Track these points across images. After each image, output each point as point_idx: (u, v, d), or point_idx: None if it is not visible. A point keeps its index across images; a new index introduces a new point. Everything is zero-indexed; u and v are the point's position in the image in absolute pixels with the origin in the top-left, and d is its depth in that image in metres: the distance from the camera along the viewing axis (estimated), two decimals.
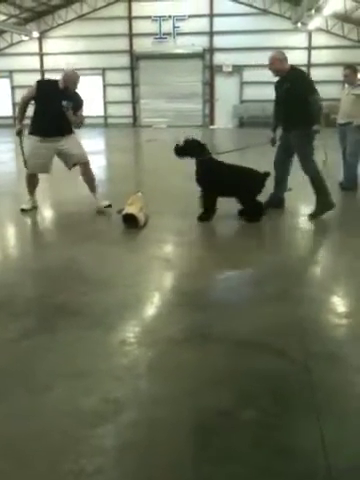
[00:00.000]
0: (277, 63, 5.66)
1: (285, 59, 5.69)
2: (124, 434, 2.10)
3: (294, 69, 5.74)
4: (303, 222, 5.68)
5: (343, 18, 20.14)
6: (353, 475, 1.87)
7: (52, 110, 5.79)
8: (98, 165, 11.18)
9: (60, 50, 22.85)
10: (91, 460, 1.93)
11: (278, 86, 5.82)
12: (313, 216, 5.64)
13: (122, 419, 2.18)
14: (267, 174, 5.51)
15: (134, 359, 2.68)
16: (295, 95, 5.50)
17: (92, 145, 15.92)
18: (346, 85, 7.85)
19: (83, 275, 3.95)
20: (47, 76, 23.13)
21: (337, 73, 16.72)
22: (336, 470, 1.87)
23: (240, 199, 5.52)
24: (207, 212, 5.54)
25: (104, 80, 23.37)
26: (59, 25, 23.08)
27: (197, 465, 1.91)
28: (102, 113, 23.55)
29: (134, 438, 2.07)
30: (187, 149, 5.55)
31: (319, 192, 5.68)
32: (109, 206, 6.10)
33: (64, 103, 5.80)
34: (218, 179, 5.44)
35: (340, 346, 2.84)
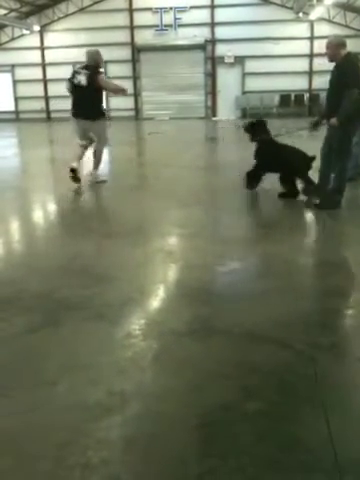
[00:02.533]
0: (331, 48, 5.42)
1: (340, 45, 5.40)
2: (129, 427, 2.10)
3: (347, 57, 5.39)
4: (310, 214, 5.66)
5: (345, 7, 20.01)
6: (359, 468, 1.87)
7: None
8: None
9: (61, 43, 22.79)
10: (97, 453, 1.93)
11: (331, 73, 5.55)
12: (317, 207, 5.63)
13: (127, 412, 2.17)
14: (313, 157, 5.88)
15: (139, 352, 2.67)
16: (336, 85, 5.36)
17: None
18: None
19: (86, 269, 3.94)
20: (49, 70, 23.13)
21: None
22: (343, 462, 1.87)
23: (290, 176, 6.07)
24: (252, 182, 6.36)
25: (106, 73, 23.26)
26: (60, 18, 23.01)
27: (202, 458, 1.91)
28: (104, 106, 23.45)
29: (139, 431, 2.07)
30: (255, 127, 6.27)
31: (341, 187, 5.63)
32: (104, 181, 7.30)
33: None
34: (274, 157, 6.09)
35: (345, 337, 2.83)
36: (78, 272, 3.90)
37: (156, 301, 3.43)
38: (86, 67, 7.01)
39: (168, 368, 2.52)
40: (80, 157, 7.15)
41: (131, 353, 2.66)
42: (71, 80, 7.06)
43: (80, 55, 22.86)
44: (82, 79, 6.89)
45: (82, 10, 22.59)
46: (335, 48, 5.41)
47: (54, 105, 23.39)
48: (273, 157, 6.12)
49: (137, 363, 2.56)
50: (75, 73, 7.08)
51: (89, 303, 3.29)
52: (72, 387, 2.35)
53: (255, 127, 6.29)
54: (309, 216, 5.69)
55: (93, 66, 7.04)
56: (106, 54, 23.07)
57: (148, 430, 2.07)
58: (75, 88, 7.03)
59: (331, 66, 5.52)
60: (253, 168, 6.35)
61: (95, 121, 7.02)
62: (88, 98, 6.90)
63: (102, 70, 7.26)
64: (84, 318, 3.08)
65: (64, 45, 22.64)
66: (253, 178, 6.36)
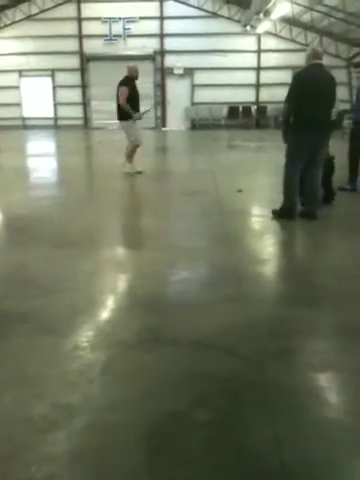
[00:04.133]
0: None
1: (308, 55, 5.54)
2: (76, 440, 2.06)
3: (302, 70, 5.64)
4: (259, 222, 5.76)
5: (291, 22, 20.56)
6: (306, 471, 1.90)
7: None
8: (49, 168, 11.05)
9: (8, 51, 22.31)
10: (42, 467, 1.88)
11: None
12: (273, 213, 5.75)
13: (74, 425, 2.13)
14: (333, 157, 6.28)
15: (87, 364, 2.63)
16: None
17: (42, 147, 15.71)
18: None
19: (32, 279, 3.85)
20: None
21: (286, 76, 17.07)
22: (290, 467, 1.89)
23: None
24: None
25: (54, 81, 23.01)
26: (6, 26, 22.55)
27: (151, 469, 1.89)
28: (52, 115, 23.18)
29: (87, 444, 2.03)
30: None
31: (283, 193, 5.74)
32: (139, 172, 8.64)
33: None
34: None
35: (293, 344, 2.88)
36: (24, 282, 3.80)
37: (105, 312, 3.40)
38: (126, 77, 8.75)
39: (116, 379, 2.49)
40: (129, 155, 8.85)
41: (79, 365, 2.61)
42: None
43: (27, 63, 22.59)
44: None
45: (29, 18, 22.25)
46: (306, 58, 5.59)
47: (1, 113, 22.88)
48: None
49: (85, 375, 2.52)
50: None
51: (36, 315, 3.21)
52: (16, 401, 2.29)
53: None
54: (262, 225, 5.78)
55: (126, 77, 8.76)
56: (54, 62, 22.84)
57: (96, 442, 2.04)
58: None
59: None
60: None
61: (120, 122, 8.84)
62: (117, 103, 8.78)
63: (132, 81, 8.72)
64: (30, 330, 3.00)
65: (11, 53, 22.19)
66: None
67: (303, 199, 5.80)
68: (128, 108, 8.55)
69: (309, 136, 5.46)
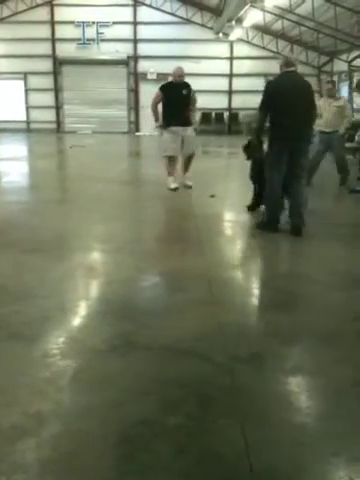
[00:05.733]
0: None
1: (280, 64, 5.58)
2: (46, 448, 2.04)
3: (276, 78, 5.73)
4: (231, 227, 5.80)
5: (263, 30, 20.84)
6: (273, 475, 1.92)
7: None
8: (20, 172, 10.93)
9: None
10: (11, 477, 1.86)
11: None
12: (257, 226, 5.67)
13: (44, 433, 2.11)
14: None
15: (57, 371, 2.61)
16: None
17: (13, 151, 15.53)
18: (325, 97, 8.78)
19: (2, 286, 3.80)
20: None
21: (258, 83, 17.27)
22: (258, 471, 1.91)
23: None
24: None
25: (26, 84, 22.80)
26: None
27: (121, 476, 1.89)
28: (24, 118, 22.94)
29: (57, 451, 2.01)
30: (250, 146, 6.20)
31: (265, 205, 5.74)
32: (190, 187, 7.88)
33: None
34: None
35: (263, 349, 2.91)
36: None
37: (76, 318, 3.38)
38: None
39: (87, 386, 2.48)
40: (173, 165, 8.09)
41: (48, 373, 2.59)
42: None
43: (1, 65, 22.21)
44: None
45: (1, 20, 22.02)
46: (279, 67, 5.60)
47: None
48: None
49: (55, 383, 2.50)
50: None
51: (5, 321, 3.17)
52: None
53: (250, 146, 6.23)
54: (233, 229, 5.83)
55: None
56: (26, 65, 22.62)
57: (66, 450, 2.02)
58: None
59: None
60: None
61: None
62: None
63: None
64: None
65: None
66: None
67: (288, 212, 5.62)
68: (154, 113, 8.05)
69: (287, 147, 5.38)
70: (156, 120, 8.06)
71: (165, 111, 8.01)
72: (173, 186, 7.83)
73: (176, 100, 7.84)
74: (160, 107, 8.13)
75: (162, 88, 8.03)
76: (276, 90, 5.45)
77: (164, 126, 7.92)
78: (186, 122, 7.98)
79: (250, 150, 6.15)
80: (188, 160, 8.15)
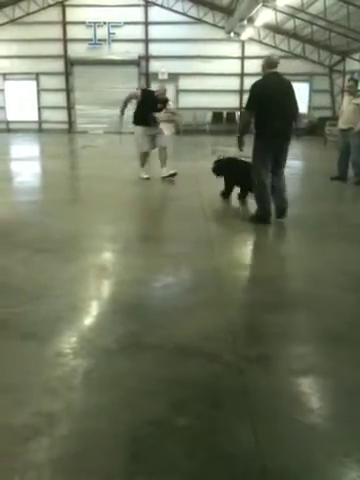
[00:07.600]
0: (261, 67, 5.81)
1: (264, 65, 5.75)
2: (58, 447, 2.06)
3: (261, 78, 5.83)
4: (238, 228, 5.79)
5: (274, 29, 20.77)
6: (285, 475, 1.92)
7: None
8: (32, 172, 10.99)
9: None
10: (25, 476, 1.88)
11: None
12: (250, 220, 5.89)
13: (56, 432, 2.13)
14: None
15: (68, 371, 2.63)
16: None
17: (26, 151, 15.62)
18: (346, 95, 9.04)
19: (14, 286, 3.84)
20: None
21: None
22: (270, 471, 1.92)
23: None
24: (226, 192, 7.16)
25: (38, 85, 22.93)
26: None
27: (131, 476, 1.90)
28: (36, 118, 23.08)
29: (68, 451, 2.03)
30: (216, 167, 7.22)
31: (256, 201, 5.90)
32: (174, 174, 8.76)
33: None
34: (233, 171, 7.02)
35: (273, 349, 2.91)
36: (5, 288, 3.79)
37: (87, 318, 3.40)
38: None
39: (98, 386, 2.50)
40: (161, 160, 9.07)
41: (60, 372, 2.61)
42: None
43: (12, 66, 22.42)
44: None
45: (14, 21, 22.16)
46: (261, 68, 5.79)
47: None
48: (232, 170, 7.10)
49: (66, 382, 2.52)
50: None
51: (17, 321, 3.20)
52: None
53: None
54: (238, 230, 5.81)
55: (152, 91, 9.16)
56: (38, 66, 22.72)
57: (77, 450, 2.04)
58: None
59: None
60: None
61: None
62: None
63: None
64: (12, 337, 2.99)
65: None
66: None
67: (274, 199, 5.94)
68: (124, 104, 8.92)
69: (273, 145, 5.67)
70: (121, 112, 9.11)
71: (137, 111, 8.94)
72: (145, 176, 8.90)
73: (150, 107, 8.76)
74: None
75: (144, 90, 9.09)
76: (262, 90, 5.63)
77: (135, 123, 8.89)
78: (155, 124, 8.97)
79: (217, 170, 7.17)
80: (162, 155, 9.00)
